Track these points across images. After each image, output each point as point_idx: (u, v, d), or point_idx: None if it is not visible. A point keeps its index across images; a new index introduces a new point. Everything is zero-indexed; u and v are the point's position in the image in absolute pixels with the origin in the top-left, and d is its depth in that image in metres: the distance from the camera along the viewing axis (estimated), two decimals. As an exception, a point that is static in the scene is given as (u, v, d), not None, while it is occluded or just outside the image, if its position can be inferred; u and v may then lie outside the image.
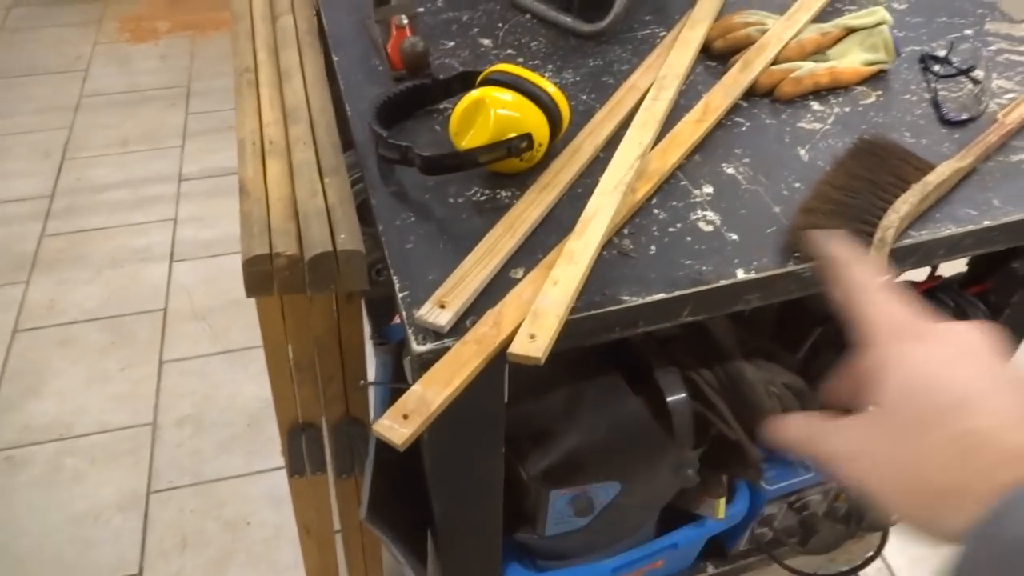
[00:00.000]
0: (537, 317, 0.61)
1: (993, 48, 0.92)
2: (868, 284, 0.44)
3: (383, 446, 0.65)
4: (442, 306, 0.63)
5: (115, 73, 2.71)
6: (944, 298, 0.83)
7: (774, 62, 0.86)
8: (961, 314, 0.82)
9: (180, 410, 1.71)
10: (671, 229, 0.70)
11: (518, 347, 0.59)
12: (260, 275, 0.60)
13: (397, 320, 1.06)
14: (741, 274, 0.66)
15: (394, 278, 0.66)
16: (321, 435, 0.83)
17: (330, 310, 0.70)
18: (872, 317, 0.43)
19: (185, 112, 2.53)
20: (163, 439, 1.66)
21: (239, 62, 0.79)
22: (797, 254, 0.67)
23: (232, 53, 0.81)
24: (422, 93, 0.83)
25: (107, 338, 1.87)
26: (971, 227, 0.70)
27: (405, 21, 0.87)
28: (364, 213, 0.75)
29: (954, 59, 0.89)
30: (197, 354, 1.83)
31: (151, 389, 1.76)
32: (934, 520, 0.35)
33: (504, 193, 0.74)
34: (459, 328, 0.62)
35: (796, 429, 0.44)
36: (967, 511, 0.33)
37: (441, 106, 0.84)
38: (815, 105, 0.84)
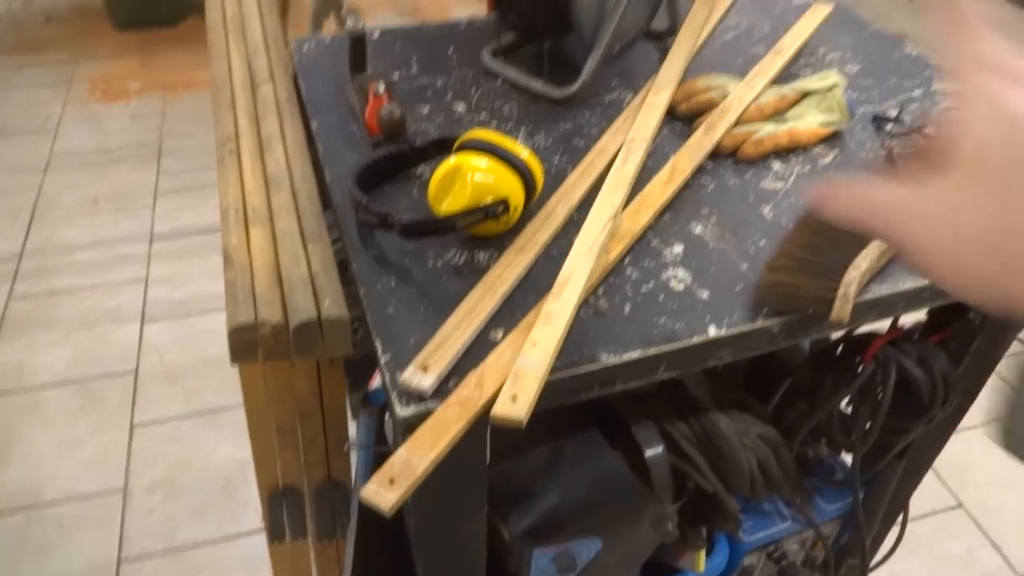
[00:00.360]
0: (518, 378, 0.62)
1: (943, 107, 0.97)
2: (965, 14, 0.34)
3: (366, 510, 0.65)
4: (425, 369, 0.64)
5: (85, 133, 2.72)
6: (906, 348, 0.86)
7: (736, 124, 0.90)
8: (923, 363, 0.85)
9: (152, 474, 1.69)
10: (644, 288, 0.73)
11: (501, 409, 0.60)
12: (245, 343, 0.61)
13: (376, 381, 1.07)
14: (713, 331, 0.69)
15: (376, 342, 0.67)
16: (302, 500, 0.83)
17: (312, 374, 0.71)
18: (960, 48, 0.34)
19: (156, 171, 2.54)
20: (134, 505, 1.63)
21: (220, 131, 0.81)
22: (765, 310, 0.70)
23: (213, 122, 0.83)
24: (399, 158, 0.86)
25: (77, 402, 1.84)
26: (928, 281, 0.74)
27: (382, 88, 0.90)
28: (342, 272, 0.76)
29: (905, 118, 0.93)
30: (169, 416, 1.81)
31: (122, 453, 1.73)
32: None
33: (482, 255, 0.76)
34: (442, 390, 0.63)
35: (853, 197, 0.36)
36: None
37: (418, 170, 0.87)
38: (776, 165, 0.88)
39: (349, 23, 0.87)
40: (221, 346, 1.98)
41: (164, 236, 2.31)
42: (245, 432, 1.46)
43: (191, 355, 1.95)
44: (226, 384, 1.87)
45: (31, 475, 1.67)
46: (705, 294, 0.72)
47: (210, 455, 1.72)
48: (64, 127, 2.73)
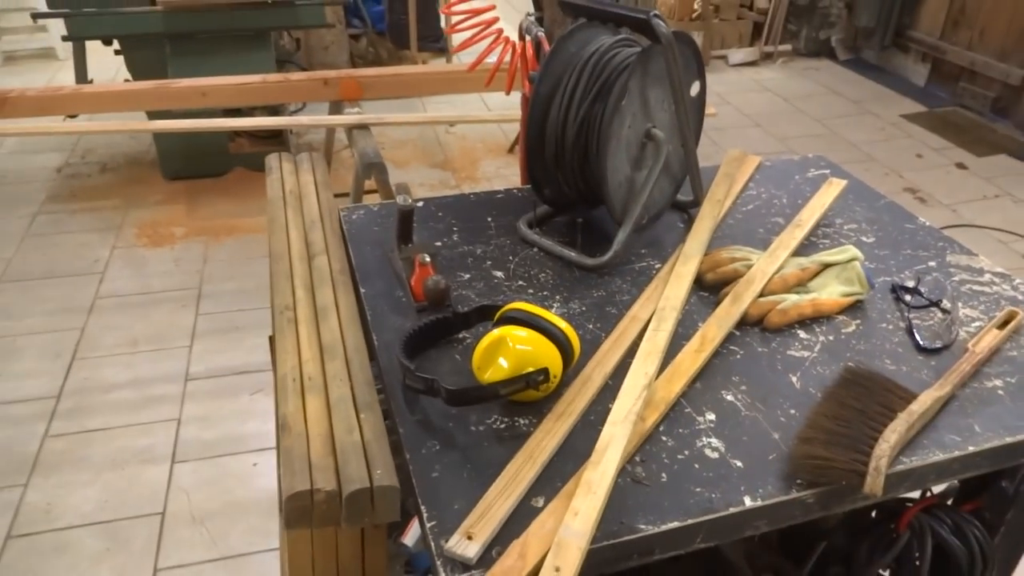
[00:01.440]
0: (561, 549, 0.65)
1: (956, 279, 1.02)
2: None
3: None
4: (469, 537, 0.66)
5: (130, 276, 2.84)
6: (941, 516, 0.87)
7: (761, 295, 0.95)
8: (959, 533, 0.86)
9: (172, 624, 1.65)
10: (679, 456, 0.75)
11: (544, 581, 0.62)
12: (300, 510, 0.64)
13: (410, 534, 1.07)
14: (748, 502, 0.71)
15: (421, 507, 0.70)
16: (338, 663, 0.83)
17: (357, 538, 0.73)
18: None
19: (195, 313, 2.63)
20: (152, 657, 1.59)
21: (279, 300, 0.87)
22: (799, 481, 0.72)
23: (272, 291, 0.89)
24: (443, 325, 0.91)
25: (102, 544, 1.83)
26: (957, 452, 0.76)
27: (428, 259, 0.97)
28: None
29: (923, 289, 0.98)
30: (193, 561, 1.79)
31: (143, 600, 1.70)
32: None
33: (522, 421, 0.80)
34: (486, 559, 0.65)
35: None
36: None
37: (460, 335, 0.92)
38: (801, 334, 0.92)
39: (399, 200, 0.95)
40: (248, 489, 2.00)
41: (199, 376, 2.36)
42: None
43: (218, 497, 1.95)
44: (251, 529, 1.86)
45: (51, 623, 1.65)
46: (739, 463, 0.74)
47: (232, 604, 1.69)
48: (111, 270, 2.86)
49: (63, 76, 4.56)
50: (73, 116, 3.19)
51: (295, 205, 1.05)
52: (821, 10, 4.74)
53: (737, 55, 4.72)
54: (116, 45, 3.26)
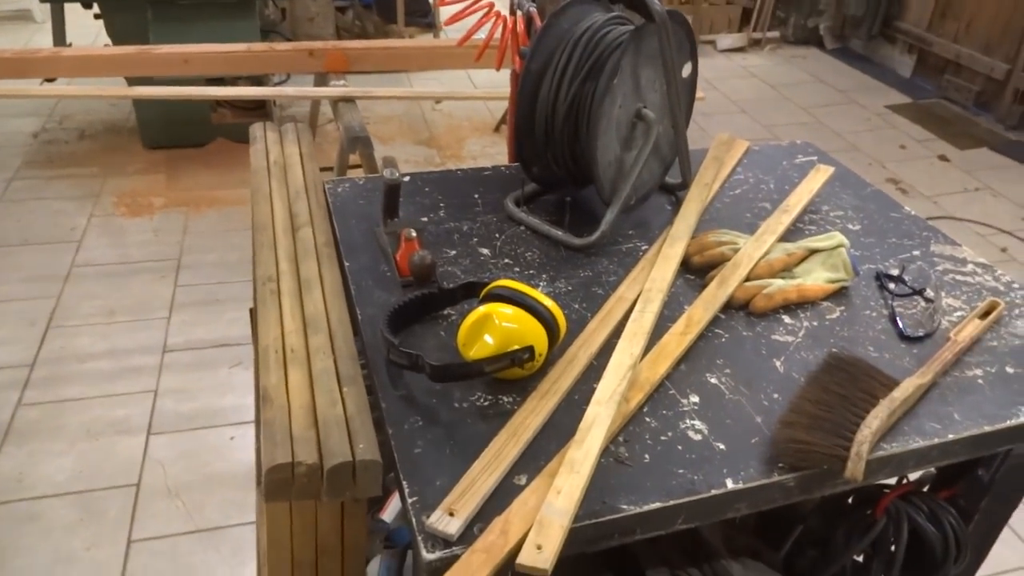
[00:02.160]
0: (543, 527, 0.64)
1: (940, 268, 1.03)
2: None
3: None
4: (451, 514, 0.66)
5: (107, 245, 2.79)
6: (917, 503, 0.88)
7: (747, 279, 0.95)
8: (935, 520, 0.87)
9: (146, 596, 1.65)
10: (663, 437, 0.75)
11: (526, 558, 0.62)
12: (280, 482, 0.63)
13: (389, 510, 1.07)
14: (730, 484, 0.71)
15: (403, 483, 0.69)
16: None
17: (336, 511, 0.73)
18: None
19: (174, 284, 2.60)
20: (125, 628, 1.58)
21: (262, 271, 0.86)
22: (781, 465, 0.73)
23: (255, 262, 0.88)
24: (428, 301, 0.90)
25: (76, 514, 1.82)
26: (936, 440, 0.76)
27: (414, 234, 0.95)
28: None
29: (907, 278, 0.99)
30: (168, 533, 1.78)
31: (117, 571, 1.69)
32: None
33: (506, 399, 0.79)
34: (467, 536, 0.65)
35: None
36: None
37: (445, 312, 0.91)
38: (786, 319, 0.92)
39: (386, 173, 0.94)
40: (225, 462, 1.98)
41: (177, 347, 2.34)
42: (244, 552, 1.45)
43: (195, 470, 1.94)
44: (228, 502, 1.85)
45: (22, 592, 1.63)
46: (721, 445, 0.75)
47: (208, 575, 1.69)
48: (88, 238, 2.81)
49: (40, 39, 4.46)
50: (51, 80, 3.12)
51: (279, 176, 1.03)
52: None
53: (725, 40, 4.71)
54: (96, 9, 3.18)
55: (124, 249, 2.79)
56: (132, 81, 2.83)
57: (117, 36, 3.16)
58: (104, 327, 2.42)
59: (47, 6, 3.35)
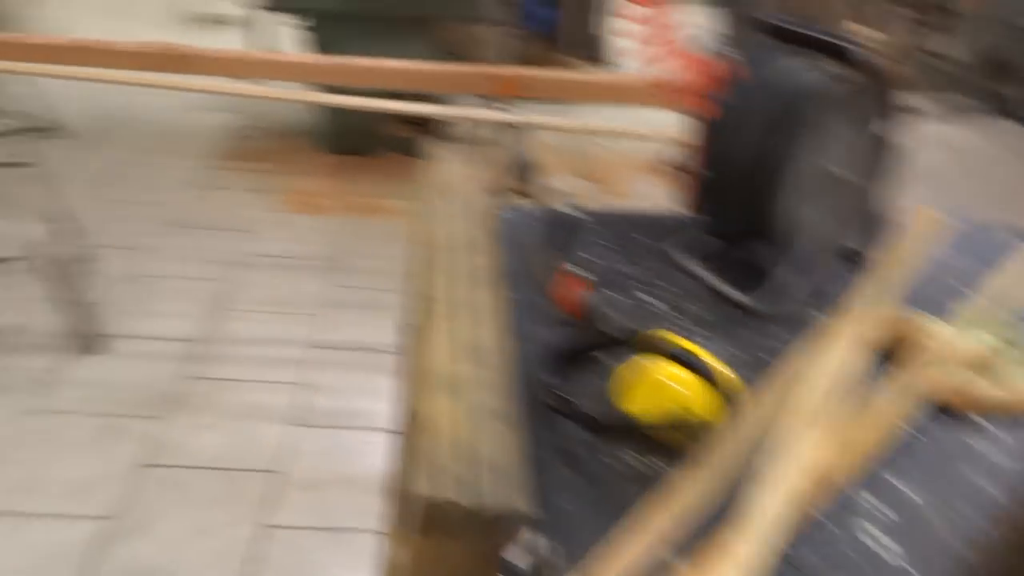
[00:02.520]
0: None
1: None
2: None
3: None
4: (589, 580, 0.62)
5: (278, 238, 2.98)
6: None
7: (945, 372, 0.85)
8: None
9: (269, 579, 1.71)
10: (841, 547, 0.68)
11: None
12: (436, 519, 0.62)
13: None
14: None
15: (543, 535, 0.67)
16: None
17: (478, 553, 0.71)
18: None
19: (332, 284, 2.73)
20: (247, 608, 1.64)
21: (424, 290, 0.86)
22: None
23: (415, 279, 0.89)
24: (587, 343, 0.87)
25: (219, 489, 1.92)
26: None
27: (579, 272, 0.93)
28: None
29: None
30: (300, 525, 1.85)
31: (248, 551, 1.77)
32: None
33: (660, 464, 0.75)
34: (604, 608, 0.61)
35: None
36: None
37: (603, 357, 0.88)
38: (992, 426, 0.82)
39: (567, 209, 0.92)
40: (361, 466, 2.03)
41: (326, 345, 2.44)
42: (368, 558, 1.45)
43: (330, 468, 2.01)
44: (358, 506, 1.89)
45: (161, 555, 1.74)
46: (908, 566, 0.66)
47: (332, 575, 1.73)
48: (257, 229, 3.01)
49: (230, 41, 4.84)
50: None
51: (449, 195, 1.04)
52: (1015, 69, 4.37)
53: (922, 103, 4.42)
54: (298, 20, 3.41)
55: (290, 244, 2.97)
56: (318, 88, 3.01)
57: (307, 48, 3.37)
58: (264, 315, 2.57)
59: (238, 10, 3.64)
